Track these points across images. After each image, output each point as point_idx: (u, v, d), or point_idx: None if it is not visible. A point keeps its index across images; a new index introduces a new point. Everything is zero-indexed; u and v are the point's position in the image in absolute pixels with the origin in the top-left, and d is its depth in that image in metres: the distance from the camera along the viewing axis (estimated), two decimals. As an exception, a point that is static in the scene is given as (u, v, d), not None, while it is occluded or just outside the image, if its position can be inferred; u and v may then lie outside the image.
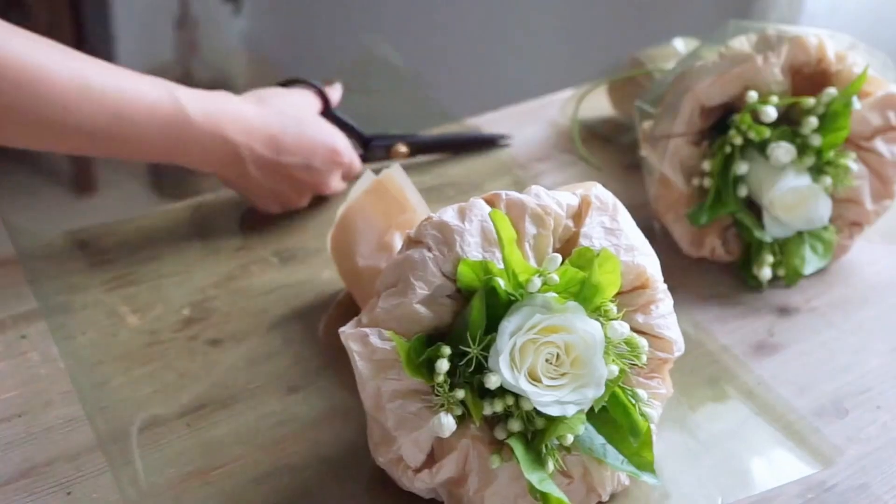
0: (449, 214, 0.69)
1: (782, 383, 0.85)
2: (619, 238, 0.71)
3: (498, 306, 0.67)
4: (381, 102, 1.15)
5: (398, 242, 0.82)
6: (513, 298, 0.67)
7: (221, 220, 1.01)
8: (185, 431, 0.78)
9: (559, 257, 0.69)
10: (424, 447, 0.69)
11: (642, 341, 0.69)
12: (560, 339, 0.66)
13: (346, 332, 0.70)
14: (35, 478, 0.73)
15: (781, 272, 0.95)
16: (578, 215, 0.72)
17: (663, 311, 0.73)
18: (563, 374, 0.66)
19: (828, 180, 0.92)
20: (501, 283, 0.67)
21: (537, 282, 0.67)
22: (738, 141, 0.92)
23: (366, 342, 0.69)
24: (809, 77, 0.93)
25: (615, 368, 0.67)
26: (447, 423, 0.66)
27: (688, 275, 0.97)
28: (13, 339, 0.85)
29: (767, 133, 0.91)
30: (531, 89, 1.33)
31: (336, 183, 1.02)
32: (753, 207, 0.95)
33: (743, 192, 0.94)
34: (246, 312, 0.89)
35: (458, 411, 0.67)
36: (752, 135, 0.91)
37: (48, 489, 0.72)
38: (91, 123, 0.84)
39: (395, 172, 0.86)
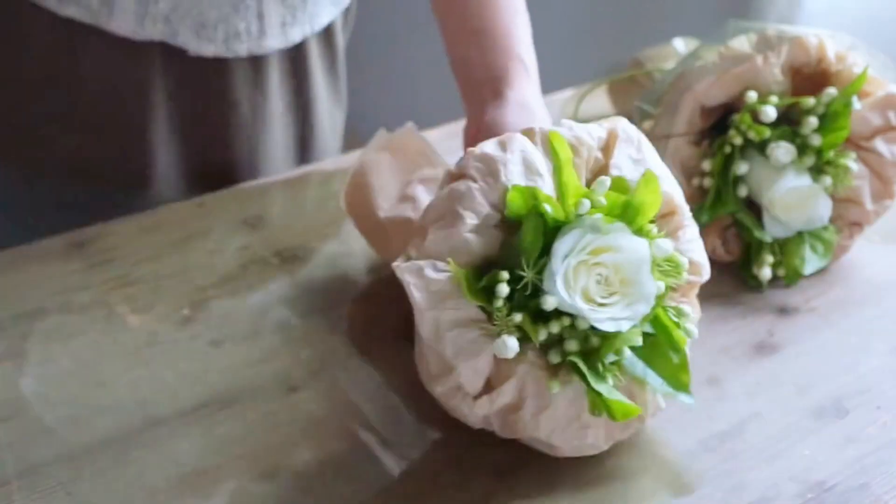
0: (491, 146, 0.72)
1: (782, 383, 0.85)
2: (646, 168, 0.74)
3: (546, 232, 0.69)
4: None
5: (421, 194, 0.84)
6: (561, 223, 0.70)
7: (221, 220, 1.01)
8: (185, 431, 0.78)
9: (608, 179, 0.71)
10: (483, 373, 0.70)
11: (683, 259, 0.73)
12: (610, 258, 0.69)
13: (401, 265, 0.71)
14: (35, 478, 0.73)
15: (781, 272, 0.95)
16: (607, 147, 0.75)
17: (690, 236, 0.76)
18: (613, 293, 0.69)
19: (828, 180, 0.92)
20: (549, 208, 0.69)
21: (587, 203, 0.70)
22: (738, 141, 0.92)
23: (421, 274, 0.70)
24: (809, 77, 0.93)
25: (661, 284, 0.70)
26: (511, 344, 0.68)
27: (688, 275, 0.97)
28: (13, 339, 0.85)
29: (767, 133, 0.91)
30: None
31: None
32: (753, 207, 0.95)
33: (743, 192, 0.94)
34: (246, 312, 0.89)
35: (516, 336, 0.69)
36: (751, 135, 0.91)
37: (48, 489, 0.72)
38: None
39: (412, 130, 0.88)
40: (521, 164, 0.71)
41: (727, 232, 0.97)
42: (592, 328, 0.69)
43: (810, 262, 0.94)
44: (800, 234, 0.95)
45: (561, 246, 0.68)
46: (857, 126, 0.93)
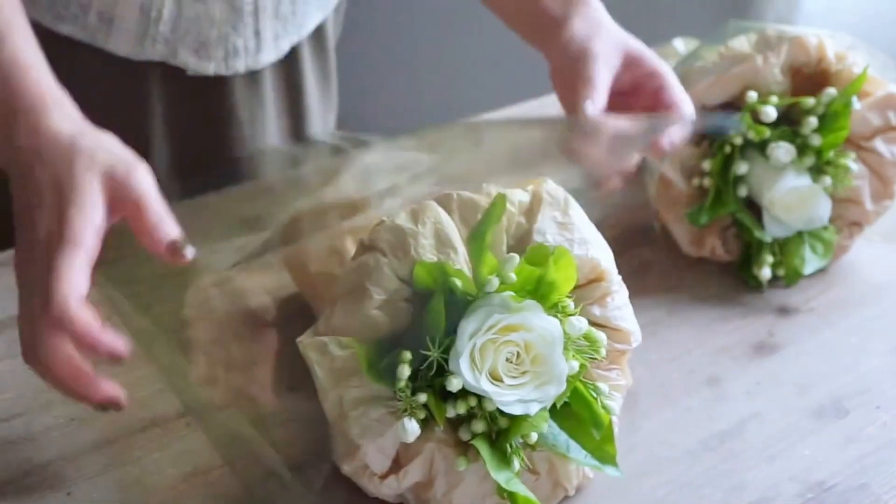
0: (402, 218, 0.70)
1: (782, 383, 0.85)
2: (571, 232, 0.71)
3: (456, 308, 0.67)
4: None
5: (350, 247, 0.80)
6: (470, 299, 0.67)
7: (221, 221, 1.00)
8: (185, 431, 0.78)
9: (517, 257, 0.68)
10: (389, 453, 0.69)
11: (601, 335, 0.70)
12: (519, 337, 0.66)
13: (305, 341, 0.70)
14: (35, 478, 0.73)
15: (781, 272, 0.95)
16: (531, 211, 0.72)
17: (619, 302, 0.73)
18: (524, 373, 0.67)
19: (827, 180, 0.92)
20: (458, 283, 0.67)
21: (495, 281, 0.67)
22: (738, 141, 0.92)
23: (324, 351, 0.69)
24: (809, 77, 0.93)
25: (575, 364, 0.68)
26: (411, 428, 0.66)
27: (688, 275, 0.97)
28: (13, 339, 0.85)
29: (767, 133, 0.91)
30: (533, 89, 1.33)
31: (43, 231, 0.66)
32: (753, 207, 0.95)
33: (743, 191, 0.94)
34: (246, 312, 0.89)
35: (422, 415, 0.67)
36: (751, 135, 0.91)
37: (48, 489, 0.72)
38: None
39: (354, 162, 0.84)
40: (432, 238, 0.69)
41: (727, 232, 0.97)
42: (500, 410, 0.67)
43: (810, 262, 0.94)
44: (799, 234, 0.95)
45: (468, 325, 0.66)
46: (857, 126, 0.93)
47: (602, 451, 0.70)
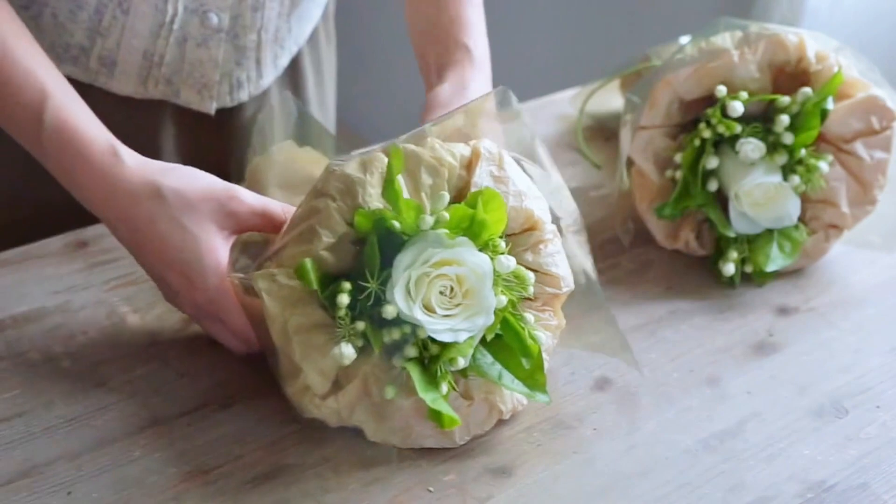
0: (352, 167, 0.74)
1: (782, 383, 0.85)
2: (507, 185, 0.77)
3: (394, 246, 0.73)
4: None
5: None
6: (405, 238, 0.73)
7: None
8: (185, 431, 0.78)
9: (447, 195, 0.74)
10: (329, 375, 0.74)
11: (529, 274, 0.75)
12: (452, 271, 0.72)
13: (255, 273, 0.75)
14: (35, 478, 0.73)
15: (748, 268, 0.95)
16: (469, 165, 0.77)
17: (552, 250, 0.78)
18: (456, 305, 0.72)
19: (796, 179, 0.92)
20: (397, 224, 0.72)
21: (429, 219, 0.72)
22: (707, 134, 0.93)
23: (273, 280, 0.74)
24: (793, 76, 0.93)
25: (504, 299, 0.73)
26: (347, 352, 0.72)
27: (688, 275, 0.97)
28: (13, 339, 0.85)
29: (736, 128, 0.91)
30: (534, 88, 1.33)
31: (191, 309, 0.82)
32: (727, 205, 0.95)
33: (713, 186, 0.94)
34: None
35: (360, 342, 0.73)
36: (721, 129, 0.92)
37: (48, 489, 0.72)
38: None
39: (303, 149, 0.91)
40: (379, 186, 0.74)
41: (702, 226, 0.97)
42: (431, 339, 0.72)
43: (775, 259, 0.94)
44: (769, 232, 0.95)
45: (403, 258, 0.72)
46: (838, 128, 0.93)
47: (532, 379, 0.75)
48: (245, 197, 0.79)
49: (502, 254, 0.74)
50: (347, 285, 0.72)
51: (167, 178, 0.79)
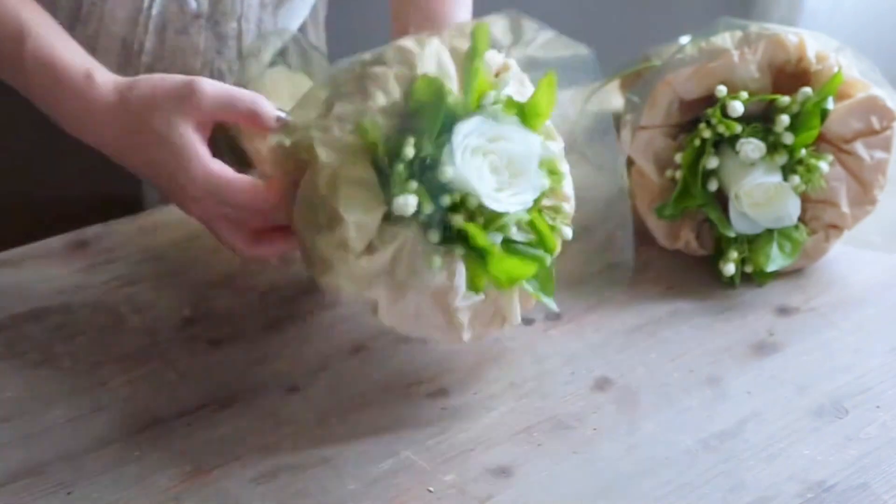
0: (409, 42, 0.76)
1: (782, 383, 0.85)
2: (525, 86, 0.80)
3: (447, 123, 0.74)
4: None
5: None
6: (459, 116, 0.74)
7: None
8: (185, 431, 0.78)
9: (511, 76, 0.77)
10: (368, 233, 0.74)
11: (564, 166, 0.79)
12: (504, 147, 0.74)
13: (311, 120, 0.75)
14: (35, 478, 0.73)
15: (749, 269, 0.95)
16: (497, 74, 0.79)
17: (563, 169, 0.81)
18: (504, 183, 0.74)
19: (796, 179, 0.92)
20: (451, 99, 0.74)
21: (491, 96, 0.75)
22: (707, 134, 0.93)
23: (327, 129, 0.74)
24: (793, 76, 0.93)
25: (546, 182, 0.76)
26: (411, 201, 0.72)
27: (688, 275, 0.97)
28: (13, 339, 0.85)
29: (736, 128, 0.91)
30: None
31: (197, 211, 0.82)
32: (727, 204, 0.95)
33: (713, 186, 0.94)
34: (246, 312, 0.89)
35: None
36: (721, 129, 0.92)
37: (48, 489, 0.72)
38: None
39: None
40: (435, 63, 0.75)
41: (702, 226, 0.97)
42: (480, 209, 0.73)
43: (775, 259, 0.94)
44: (769, 232, 0.95)
45: (463, 126, 0.73)
46: (838, 128, 0.93)
47: (544, 285, 0.79)
48: (206, 87, 0.80)
49: (551, 140, 0.78)
50: (412, 139, 0.73)
51: (134, 88, 0.81)
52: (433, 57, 0.75)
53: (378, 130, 0.73)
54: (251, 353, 0.85)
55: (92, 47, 0.99)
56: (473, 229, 0.73)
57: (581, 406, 0.82)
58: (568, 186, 0.82)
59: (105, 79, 0.83)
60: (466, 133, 0.73)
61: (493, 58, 0.78)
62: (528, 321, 0.90)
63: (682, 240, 0.97)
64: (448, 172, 0.72)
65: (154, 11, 0.98)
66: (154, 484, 0.73)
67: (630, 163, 0.98)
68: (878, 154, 0.94)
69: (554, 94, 0.77)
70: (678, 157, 0.94)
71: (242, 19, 1.03)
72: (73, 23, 0.98)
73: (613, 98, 1.19)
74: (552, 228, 0.78)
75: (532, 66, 0.83)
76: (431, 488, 0.74)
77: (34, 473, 0.74)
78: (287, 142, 0.76)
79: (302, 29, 1.16)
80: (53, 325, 0.86)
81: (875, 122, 0.93)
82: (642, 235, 0.98)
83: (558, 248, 0.80)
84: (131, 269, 0.93)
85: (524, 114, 0.76)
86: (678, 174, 0.95)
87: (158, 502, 0.72)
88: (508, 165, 0.74)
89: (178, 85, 0.80)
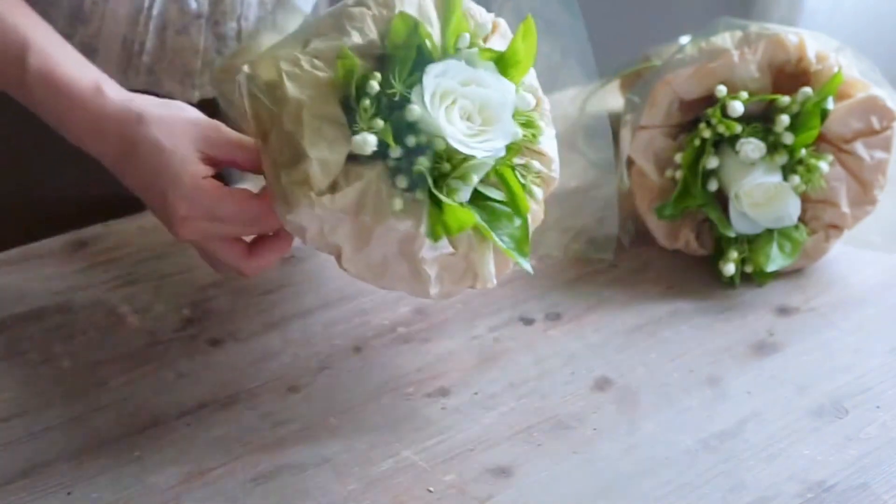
0: None
1: (782, 383, 0.85)
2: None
3: (421, 64, 0.72)
4: None
5: None
6: (435, 59, 0.73)
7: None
8: (185, 431, 0.78)
9: (490, 22, 0.76)
10: (332, 171, 0.72)
11: (540, 123, 0.77)
12: (477, 92, 0.72)
13: (279, 53, 0.73)
14: (35, 478, 0.73)
15: (749, 269, 0.95)
16: (488, 36, 0.78)
17: (548, 133, 0.79)
18: (475, 130, 0.72)
19: (797, 179, 0.92)
20: (428, 43, 0.72)
21: (466, 37, 0.74)
22: (707, 134, 0.93)
23: (297, 64, 0.73)
24: (793, 76, 0.93)
25: (520, 132, 0.74)
26: (370, 140, 0.70)
27: (688, 275, 0.97)
28: (13, 339, 0.85)
29: (736, 128, 0.91)
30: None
31: (190, 235, 0.79)
32: (727, 204, 0.95)
33: (713, 186, 0.94)
34: (246, 312, 0.89)
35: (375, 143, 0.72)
36: (721, 129, 0.92)
37: (48, 489, 0.72)
38: None
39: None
40: (415, 7, 0.74)
41: (702, 226, 0.97)
42: (447, 153, 0.72)
43: (775, 260, 0.94)
44: (769, 232, 0.95)
45: (435, 67, 0.71)
46: (838, 128, 0.93)
47: (519, 245, 0.75)
48: (226, 129, 0.79)
49: (528, 92, 0.75)
50: (378, 75, 0.72)
51: (153, 107, 0.80)
52: (413, 4, 0.74)
53: (353, 62, 0.72)
54: (251, 353, 0.85)
55: (93, 47, 0.99)
56: (427, 174, 0.71)
57: (581, 406, 0.82)
58: (550, 147, 0.79)
59: (117, 93, 0.81)
60: (438, 73, 0.71)
61: (481, 13, 0.77)
62: (528, 321, 0.90)
63: (682, 240, 0.97)
64: (415, 112, 0.70)
65: (154, 11, 0.98)
66: (154, 484, 0.73)
67: (630, 163, 0.98)
68: (878, 154, 0.94)
69: (534, 41, 0.74)
70: (678, 157, 0.94)
71: (242, 19, 1.03)
72: (74, 22, 0.98)
73: (613, 98, 1.19)
74: (523, 187, 0.76)
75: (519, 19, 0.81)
76: (431, 488, 0.74)
77: (34, 473, 0.74)
78: (257, 91, 0.74)
79: None
80: (53, 325, 0.86)
81: (875, 122, 0.93)
82: (642, 235, 0.99)
83: (537, 214, 0.78)
84: (131, 269, 0.93)
85: (502, 62, 0.75)
86: (678, 174, 0.95)
87: (158, 502, 0.72)
88: (480, 111, 0.72)
89: (201, 119, 0.80)
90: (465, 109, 0.72)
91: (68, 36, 0.98)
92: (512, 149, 0.74)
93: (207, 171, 0.77)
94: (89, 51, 0.99)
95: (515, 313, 0.90)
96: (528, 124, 0.76)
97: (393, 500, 0.73)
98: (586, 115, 1.19)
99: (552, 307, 0.91)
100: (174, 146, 0.77)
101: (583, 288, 0.94)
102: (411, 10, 0.73)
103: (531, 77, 0.79)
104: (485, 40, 0.77)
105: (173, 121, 0.79)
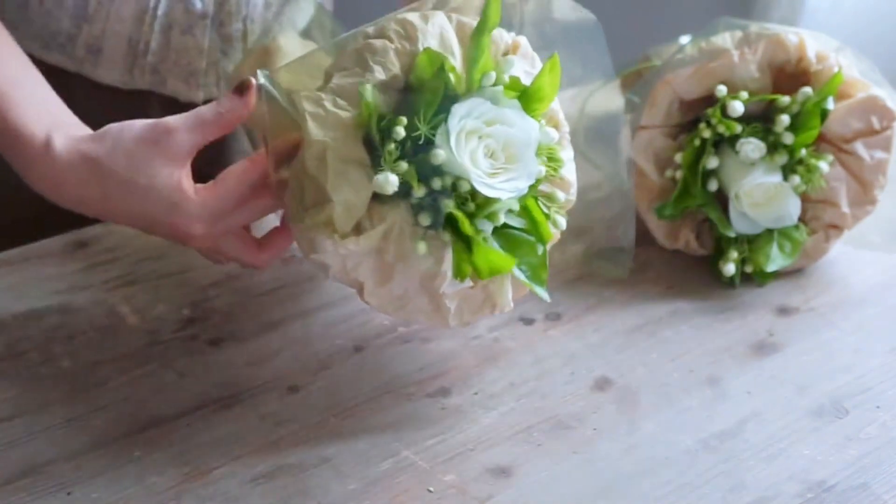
0: (413, 16, 0.74)
1: (782, 383, 0.85)
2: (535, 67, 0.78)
3: (446, 102, 0.72)
4: None
5: None
6: (459, 96, 0.73)
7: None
8: (185, 431, 0.78)
9: (515, 60, 0.75)
10: (356, 212, 0.72)
11: (563, 155, 0.77)
12: (501, 131, 0.72)
13: (302, 94, 0.73)
14: (35, 478, 0.73)
15: (749, 269, 0.95)
16: (506, 53, 0.77)
17: (565, 155, 0.79)
18: (498, 168, 0.72)
19: (797, 179, 0.92)
20: (453, 77, 0.72)
21: (492, 76, 0.73)
22: (707, 134, 0.93)
23: (320, 104, 0.72)
24: (793, 76, 0.93)
25: (543, 169, 0.75)
26: (392, 179, 0.70)
27: (688, 275, 0.97)
28: (13, 339, 0.85)
29: (736, 128, 0.91)
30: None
31: (204, 241, 0.78)
32: (727, 205, 0.95)
33: (713, 186, 0.94)
34: (246, 312, 0.89)
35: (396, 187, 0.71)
36: (721, 129, 0.92)
37: (48, 489, 0.72)
38: None
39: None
40: (437, 39, 0.73)
41: (702, 226, 0.97)
42: (472, 194, 0.72)
43: (775, 259, 0.94)
44: (769, 232, 0.95)
45: (460, 108, 0.71)
46: (838, 128, 0.93)
47: (537, 274, 0.76)
48: (175, 123, 0.76)
49: (552, 126, 0.76)
50: (404, 119, 0.71)
51: (100, 146, 0.76)
52: (436, 32, 0.74)
53: (376, 101, 0.72)
54: (251, 353, 0.85)
55: (98, 47, 0.99)
56: (461, 216, 0.71)
57: (581, 406, 0.82)
58: (569, 172, 0.80)
59: (64, 143, 0.77)
60: (463, 115, 0.71)
61: (501, 36, 0.76)
62: (528, 321, 0.90)
63: (682, 240, 0.97)
64: (440, 156, 0.71)
65: (160, 12, 0.98)
66: (154, 484, 0.73)
67: (630, 163, 0.98)
68: (878, 154, 0.94)
69: (558, 77, 0.75)
70: (678, 157, 0.94)
71: (247, 20, 1.03)
72: (80, 22, 0.98)
73: (613, 98, 1.19)
74: (546, 217, 0.77)
75: (541, 37, 0.82)
76: (431, 488, 0.74)
77: (34, 473, 0.74)
78: (276, 94, 0.73)
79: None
80: (53, 326, 0.86)
81: (875, 122, 0.93)
82: (642, 235, 0.98)
83: (556, 237, 0.79)
84: (131, 269, 0.93)
85: (526, 97, 0.74)
86: (678, 174, 0.95)
87: (158, 502, 0.72)
88: (504, 149, 0.72)
89: (147, 131, 0.76)
90: (489, 147, 0.72)
91: (73, 35, 0.98)
92: (535, 183, 0.75)
93: (188, 175, 0.75)
94: (94, 50, 0.99)
95: (515, 313, 0.90)
96: (550, 158, 0.76)
97: (393, 500, 0.73)
98: (586, 115, 1.19)
99: (552, 307, 0.91)
100: (149, 177, 0.75)
101: (583, 288, 0.94)
102: (434, 43, 0.73)
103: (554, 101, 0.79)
104: (505, 56, 0.76)
105: (128, 150, 0.75)
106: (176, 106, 1.05)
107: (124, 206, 0.76)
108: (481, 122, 0.72)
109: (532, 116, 0.74)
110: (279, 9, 1.06)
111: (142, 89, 1.03)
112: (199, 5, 0.99)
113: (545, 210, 0.77)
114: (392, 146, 0.71)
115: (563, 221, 0.78)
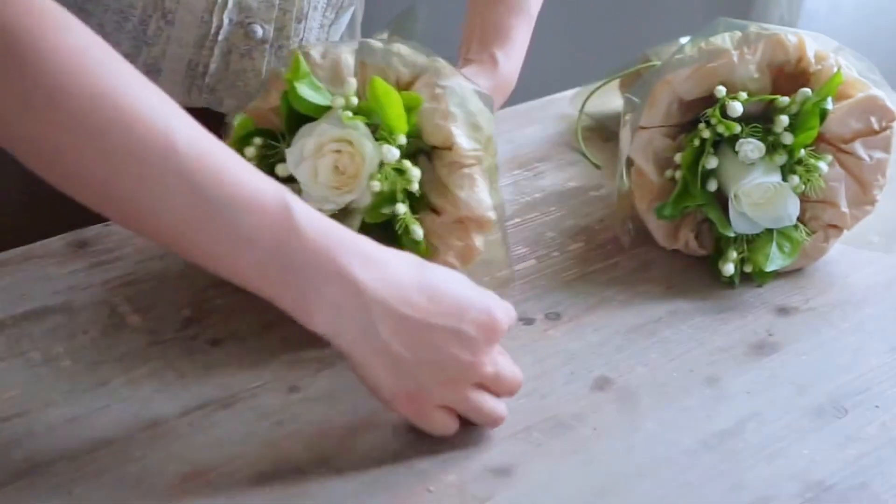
0: (316, 49, 0.86)
1: (782, 383, 0.85)
2: (440, 103, 0.85)
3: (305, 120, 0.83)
4: None
5: None
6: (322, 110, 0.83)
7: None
8: (185, 431, 0.78)
9: (355, 82, 0.84)
10: None
11: (414, 171, 0.82)
12: (342, 149, 0.81)
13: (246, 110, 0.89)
14: (35, 478, 0.73)
15: (748, 269, 0.95)
16: (415, 79, 0.87)
17: (466, 173, 0.85)
18: (340, 183, 0.82)
19: (796, 179, 0.92)
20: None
21: (339, 100, 0.83)
22: (707, 134, 0.93)
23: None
24: (792, 76, 0.93)
25: (376, 184, 0.81)
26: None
27: (688, 275, 0.97)
28: (13, 339, 0.85)
29: (736, 128, 0.91)
30: (535, 88, 1.33)
31: (490, 365, 0.75)
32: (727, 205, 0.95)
33: (713, 186, 0.94)
34: (246, 312, 0.89)
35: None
36: (721, 129, 0.92)
37: (48, 489, 0.72)
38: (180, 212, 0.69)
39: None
40: (330, 70, 0.86)
41: (701, 226, 0.97)
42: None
43: (774, 259, 0.94)
44: (769, 232, 0.95)
45: (308, 128, 0.83)
46: (837, 128, 0.93)
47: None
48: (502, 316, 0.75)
49: (393, 145, 0.81)
50: (258, 140, 0.85)
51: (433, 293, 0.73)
52: (329, 68, 0.85)
53: (244, 129, 0.85)
54: (251, 353, 0.85)
55: (157, 68, 1.00)
56: None
57: (581, 406, 0.82)
58: (465, 190, 0.84)
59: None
60: (305, 133, 0.82)
61: (419, 60, 0.86)
62: (527, 321, 0.90)
63: (681, 240, 0.97)
64: (281, 170, 0.83)
65: (220, 37, 1.00)
66: (154, 484, 0.73)
67: (630, 163, 0.98)
68: (878, 154, 0.94)
69: (398, 107, 0.82)
70: (678, 157, 0.95)
71: (303, 42, 1.05)
72: (139, 44, 0.99)
73: (613, 98, 1.19)
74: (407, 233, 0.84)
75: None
76: (431, 488, 0.74)
77: (34, 473, 0.74)
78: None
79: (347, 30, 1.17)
80: (53, 325, 0.86)
81: (874, 123, 0.93)
82: (642, 235, 0.99)
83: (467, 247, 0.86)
84: (131, 269, 0.93)
85: (378, 119, 0.83)
86: (678, 174, 0.95)
87: (158, 502, 0.72)
88: (348, 167, 0.81)
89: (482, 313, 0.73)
90: (337, 163, 0.81)
91: (132, 56, 0.99)
92: (383, 193, 0.82)
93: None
94: (154, 71, 1.00)
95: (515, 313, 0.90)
96: (399, 169, 0.82)
97: (393, 500, 0.73)
98: (586, 115, 1.19)
99: (552, 307, 0.92)
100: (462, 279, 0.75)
101: (583, 288, 0.94)
102: (321, 75, 0.85)
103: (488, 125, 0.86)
104: (412, 79, 0.86)
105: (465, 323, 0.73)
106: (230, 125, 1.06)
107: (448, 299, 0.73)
108: (324, 138, 0.82)
109: (384, 138, 0.82)
110: (329, 29, 1.07)
111: (198, 107, 1.03)
112: (259, 32, 1.01)
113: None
114: (252, 162, 0.80)
115: (419, 232, 0.84)
